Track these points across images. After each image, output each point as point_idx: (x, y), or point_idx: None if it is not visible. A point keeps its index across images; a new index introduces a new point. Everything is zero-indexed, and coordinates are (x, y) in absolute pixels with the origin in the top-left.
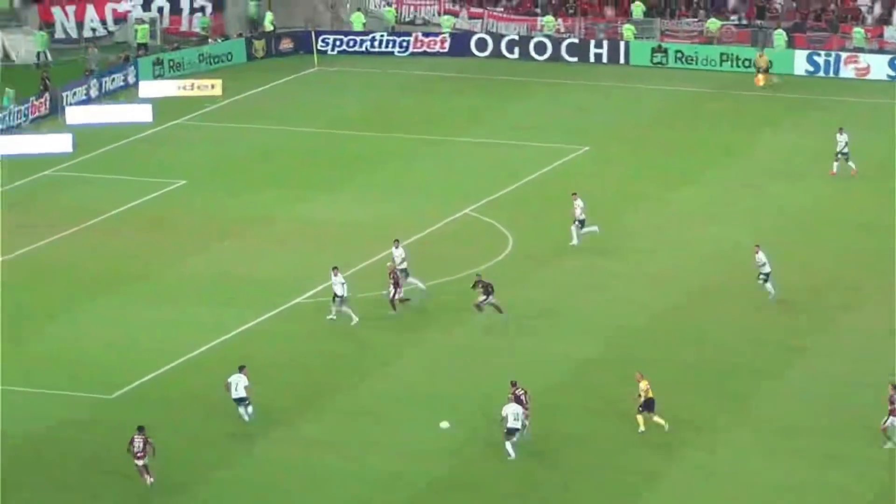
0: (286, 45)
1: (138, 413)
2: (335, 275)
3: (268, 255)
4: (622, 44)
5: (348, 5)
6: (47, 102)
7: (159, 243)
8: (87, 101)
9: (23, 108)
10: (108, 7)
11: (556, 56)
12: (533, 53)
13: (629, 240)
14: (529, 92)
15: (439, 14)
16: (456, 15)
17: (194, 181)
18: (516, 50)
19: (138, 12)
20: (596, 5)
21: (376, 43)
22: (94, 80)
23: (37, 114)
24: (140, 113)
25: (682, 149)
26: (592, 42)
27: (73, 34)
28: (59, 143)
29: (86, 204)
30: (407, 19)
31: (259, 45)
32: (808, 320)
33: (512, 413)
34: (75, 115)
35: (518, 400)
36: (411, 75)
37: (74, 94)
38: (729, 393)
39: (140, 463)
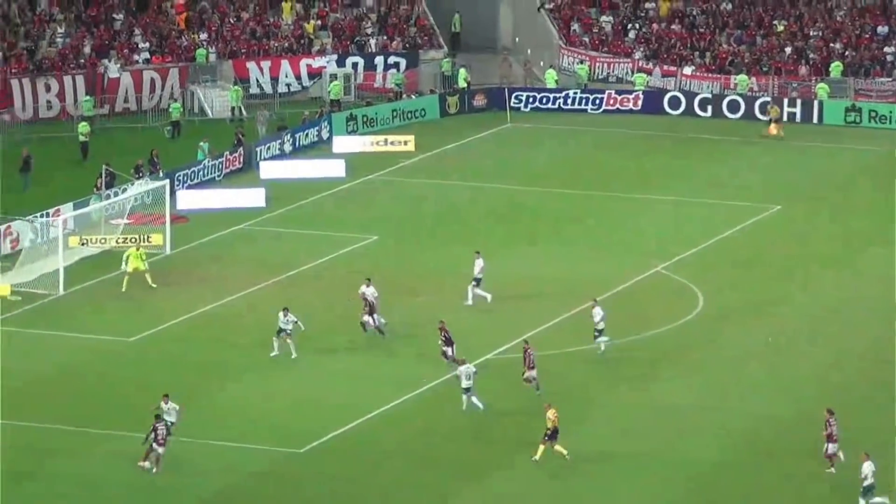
0: (479, 101)
1: (328, 466)
2: (285, 315)
3: (458, 311)
4: (815, 103)
5: (542, 62)
6: (241, 157)
7: (355, 297)
8: (281, 156)
9: (217, 162)
10: (303, 63)
11: (749, 114)
12: (726, 112)
13: (817, 299)
14: (722, 150)
15: (632, 72)
16: (649, 73)
17: (386, 236)
18: (709, 108)
19: (333, 68)
20: (790, 64)
21: (569, 100)
22: (288, 136)
23: (231, 168)
24: (333, 168)
25: (874, 210)
26: (786, 101)
27: (268, 89)
28: (252, 197)
29: (278, 258)
30: (600, 77)
31: (452, 101)
32: None
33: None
34: (269, 169)
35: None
36: (604, 132)
37: (268, 148)
38: None
39: (161, 450)
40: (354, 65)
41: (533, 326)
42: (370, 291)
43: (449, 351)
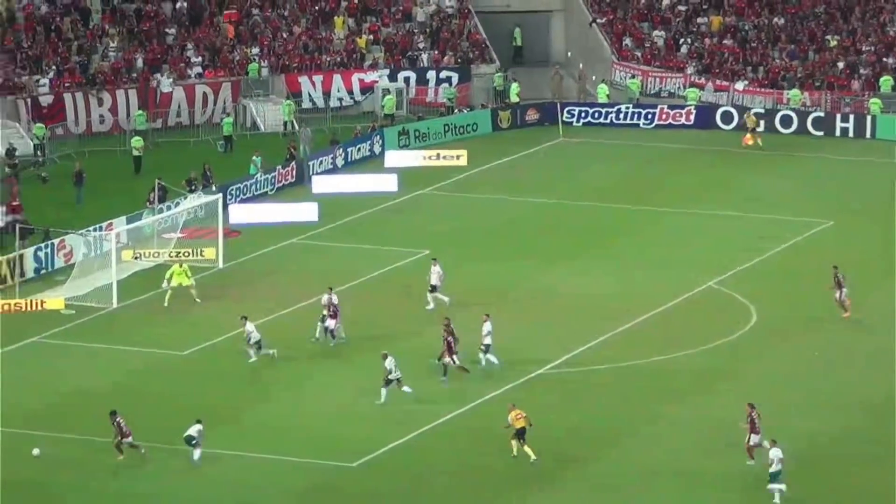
0: (531, 116)
1: (380, 482)
2: (244, 324)
3: (509, 326)
4: (868, 118)
5: (594, 77)
6: (294, 171)
7: (404, 312)
8: (333, 170)
9: (269, 176)
10: (355, 77)
11: (801, 129)
12: (778, 126)
13: (871, 316)
14: (774, 165)
15: (685, 86)
16: (701, 88)
17: (437, 250)
18: (762, 123)
19: (385, 83)
20: (842, 79)
21: (621, 115)
22: (340, 150)
23: (283, 182)
24: (385, 182)
25: None
26: (839, 116)
27: (320, 104)
28: (305, 211)
29: (331, 272)
30: (652, 91)
31: (504, 115)
32: None
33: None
34: (321, 184)
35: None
36: (656, 147)
37: (320, 163)
38: None
39: (130, 440)
40: (406, 79)
41: (584, 341)
42: (333, 299)
43: (453, 360)
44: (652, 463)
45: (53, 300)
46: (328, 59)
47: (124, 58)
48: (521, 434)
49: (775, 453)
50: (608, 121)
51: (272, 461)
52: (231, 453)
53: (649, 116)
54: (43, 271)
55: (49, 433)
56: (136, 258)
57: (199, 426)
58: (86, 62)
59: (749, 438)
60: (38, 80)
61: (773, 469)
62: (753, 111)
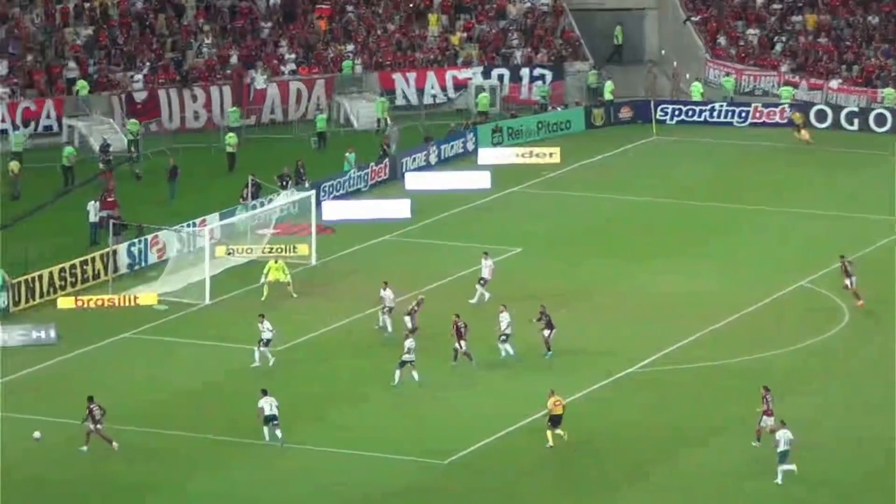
0: (625, 113)
1: (470, 480)
2: (262, 322)
3: (602, 324)
4: None
5: (687, 75)
6: (387, 168)
7: (496, 310)
8: (426, 167)
9: (363, 173)
10: (449, 74)
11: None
12: (873, 125)
13: None
14: (868, 164)
15: (779, 85)
16: (796, 86)
17: (530, 249)
18: (856, 122)
19: (478, 80)
20: None
21: (715, 113)
22: (433, 147)
23: (376, 179)
24: (478, 180)
25: None
26: None
27: (413, 101)
28: (398, 208)
29: (423, 270)
30: (746, 90)
31: (598, 113)
32: None
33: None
34: (414, 180)
35: (458, 331)
36: (750, 146)
37: (413, 160)
38: None
39: (100, 427)
40: (500, 76)
41: (675, 340)
42: (389, 293)
43: (461, 345)
44: (740, 462)
45: (146, 296)
46: (422, 56)
47: (218, 54)
48: (555, 421)
49: (782, 434)
50: (702, 119)
51: (362, 458)
52: (321, 450)
53: (743, 115)
54: (136, 267)
55: (145, 428)
56: (228, 254)
57: (269, 398)
58: (180, 58)
59: (761, 420)
60: (132, 77)
61: (780, 449)
62: (796, 108)
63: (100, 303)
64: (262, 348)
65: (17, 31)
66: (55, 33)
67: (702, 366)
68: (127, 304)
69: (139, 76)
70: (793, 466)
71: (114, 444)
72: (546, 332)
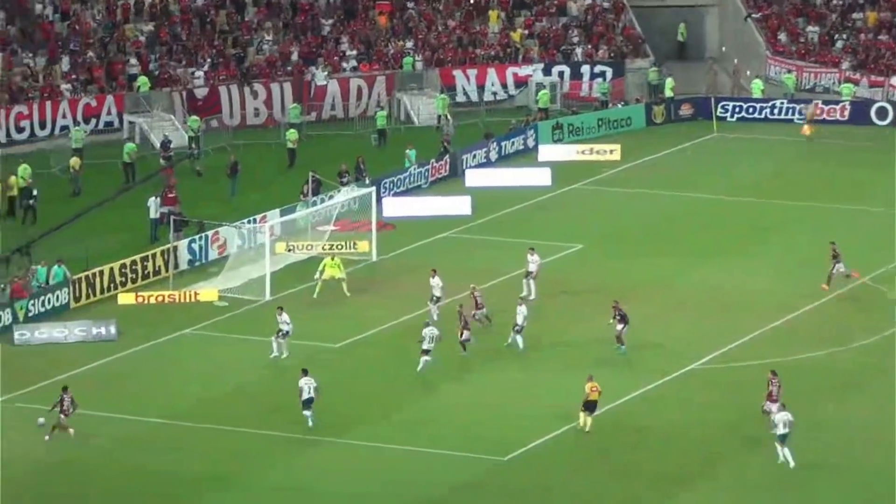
0: (686, 110)
1: (531, 476)
2: (280, 314)
3: (664, 321)
4: None
5: (748, 72)
6: (447, 165)
7: (557, 307)
8: (487, 164)
9: (423, 169)
10: (509, 71)
11: None
12: None
13: None
14: None
15: (839, 82)
16: (856, 83)
17: (591, 245)
18: None
19: (539, 77)
20: None
21: (776, 110)
22: (494, 144)
23: (437, 176)
24: (539, 177)
25: None
26: None
27: (474, 97)
28: (458, 205)
29: (483, 266)
30: (806, 87)
31: (658, 110)
32: None
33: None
34: (475, 177)
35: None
36: (810, 143)
37: (474, 156)
38: None
39: (64, 418)
40: (560, 73)
41: (736, 337)
42: (437, 281)
43: (466, 335)
44: (803, 460)
45: (207, 292)
46: (482, 52)
47: (279, 51)
48: (590, 406)
49: (781, 417)
50: (762, 116)
51: (424, 454)
52: (383, 446)
53: (804, 112)
54: (197, 263)
55: (205, 425)
56: (289, 251)
57: (308, 378)
58: (241, 55)
59: (765, 405)
60: (193, 73)
61: (780, 432)
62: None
63: (160, 299)
64: (280, 339)
65: (78, 27)
66: (116, 29)
67: (762, 363)
68: (187, 300)
69: (200, 72)
70: (787, 450)
71: (70, 430)
72: (619, 327)
